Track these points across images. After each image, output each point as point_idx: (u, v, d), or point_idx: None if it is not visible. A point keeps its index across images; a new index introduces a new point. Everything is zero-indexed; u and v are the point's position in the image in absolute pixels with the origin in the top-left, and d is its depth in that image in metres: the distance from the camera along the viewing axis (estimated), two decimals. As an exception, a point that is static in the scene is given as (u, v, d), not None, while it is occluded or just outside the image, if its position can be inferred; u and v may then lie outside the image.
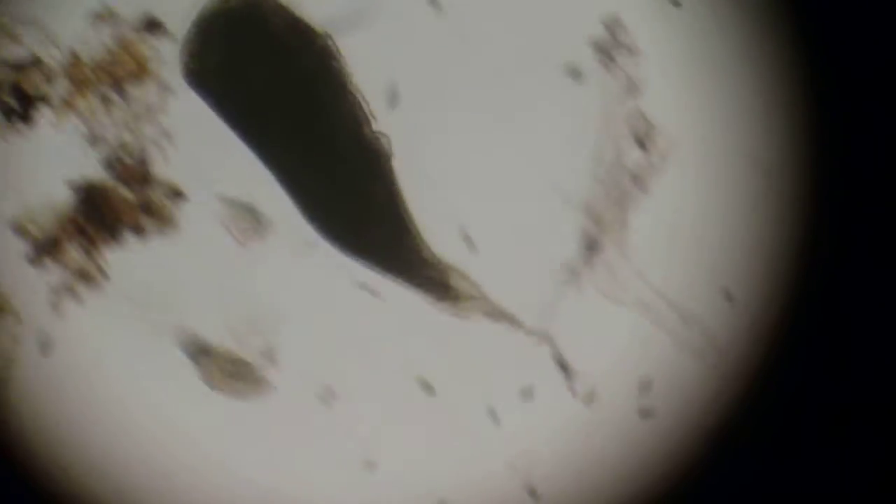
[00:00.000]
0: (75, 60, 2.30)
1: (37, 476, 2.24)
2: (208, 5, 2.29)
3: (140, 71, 2.30)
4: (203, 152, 2.30)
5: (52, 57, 2.30)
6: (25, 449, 2.24)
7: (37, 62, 2.30)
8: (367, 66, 2.29)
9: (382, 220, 2.29)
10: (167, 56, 2.31)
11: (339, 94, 2.29)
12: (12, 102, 2.28)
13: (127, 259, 2.29)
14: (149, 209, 2.28)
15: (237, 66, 2.29)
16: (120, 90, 2.30)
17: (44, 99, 2.29)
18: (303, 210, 2.29)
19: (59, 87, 2.29)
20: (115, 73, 2.30)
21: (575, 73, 2.30)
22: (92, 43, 2.30)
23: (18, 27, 2.30)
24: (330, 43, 2.29)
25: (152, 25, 2.30)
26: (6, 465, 2.23)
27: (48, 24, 2.30)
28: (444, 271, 2.29)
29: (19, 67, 2.29)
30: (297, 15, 2.30)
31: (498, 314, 2.28)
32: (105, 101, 2.29)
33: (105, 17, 2.31)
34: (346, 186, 2.29)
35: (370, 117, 2.29)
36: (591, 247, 2.28)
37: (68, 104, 2.29)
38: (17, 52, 2.30)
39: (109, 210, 2.28)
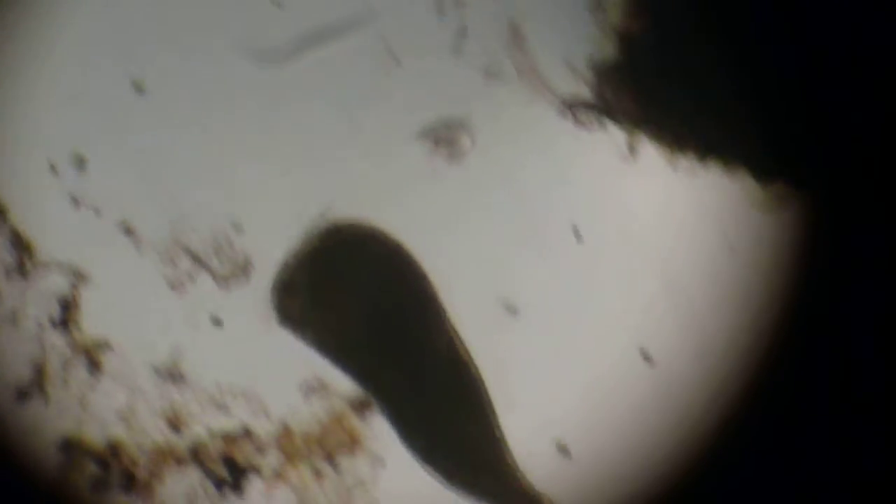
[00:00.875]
0: (287, 432, 2.30)
1: None
2: (313, 238, 2.30)
3: (352, 444, 2.30)
4: (411, 521, 2.33)
5: (264, 428, 2.30)
6: None
7: (248, 433, 2.29)
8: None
9: (480, 451, 2.34)
10: (378, 429, 2.31)
11: (435, 325, 2.32)
12: (224, 473, 2.29)
13: None
14: (357, 581, 2.32)
15: (333, 298, 2.31)
16: (331, 462, 2.30)
17: (255, 469, 2.29)
18: (400, 435, 2.33)
19: (271, 458, 2.30)
20: (327, 446, 2.30)
21: None
22: (304, 414, 2.30)
23: (230, 398, 2.29)
24: (430, 279, 2.31)
25: (365, 402, 2.30)
26: None
27: (260, 394, 2.29)
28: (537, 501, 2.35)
29: (231, 438, 2.29)
30: (399, 244, 2.32)
31: None
32: (316, 472, 2.30)
33: (317, 389, 2.30)
34: (441, 413, 2.33)
35: (466, 350, 2.32)
36: None
37: (279, 475, 2.30)
38: (229, 423, 2.29)
39: (319, 580, 2.31)
